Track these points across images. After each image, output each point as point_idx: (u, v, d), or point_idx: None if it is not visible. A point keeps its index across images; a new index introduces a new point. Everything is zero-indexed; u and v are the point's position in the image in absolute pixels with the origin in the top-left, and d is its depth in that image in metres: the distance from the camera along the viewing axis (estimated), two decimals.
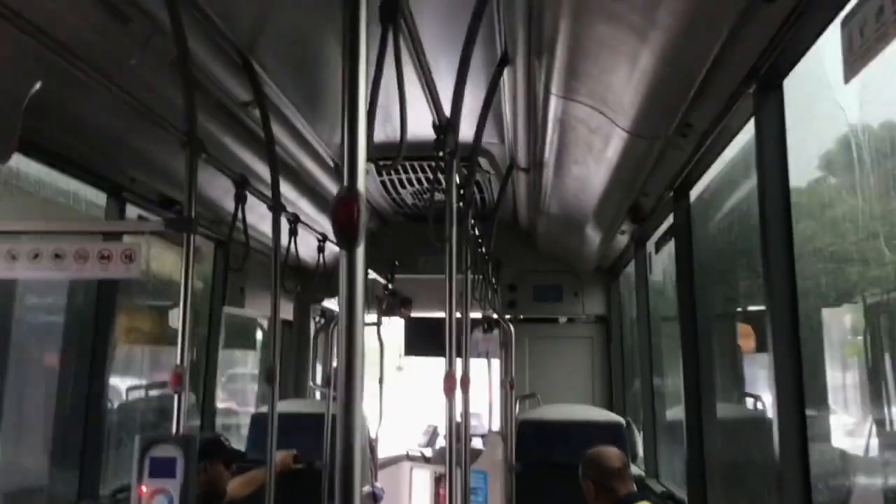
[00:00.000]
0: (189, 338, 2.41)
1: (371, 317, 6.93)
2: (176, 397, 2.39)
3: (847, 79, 1.89)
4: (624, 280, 6.57)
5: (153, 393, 4.85)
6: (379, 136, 3.20)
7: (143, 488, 2.23)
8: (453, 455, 2.63)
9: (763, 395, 3.20)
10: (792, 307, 2.41)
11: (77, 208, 3.82)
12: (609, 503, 3.25)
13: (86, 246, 2.54)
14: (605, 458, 3.35)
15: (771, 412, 2.47)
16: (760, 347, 3.17)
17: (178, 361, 2.40)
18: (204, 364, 5.06)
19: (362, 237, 1.13)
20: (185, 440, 2.30)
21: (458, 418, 3.06)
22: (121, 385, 4.56)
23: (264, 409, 3.52)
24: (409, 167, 5.03)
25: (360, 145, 1.17)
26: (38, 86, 2.61)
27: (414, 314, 7.90)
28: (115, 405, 4.43)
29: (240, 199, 3.47)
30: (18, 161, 3.25)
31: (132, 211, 4.03)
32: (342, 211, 1.10)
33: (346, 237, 1.11)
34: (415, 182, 5.36)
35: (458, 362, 2.84)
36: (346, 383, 1.11)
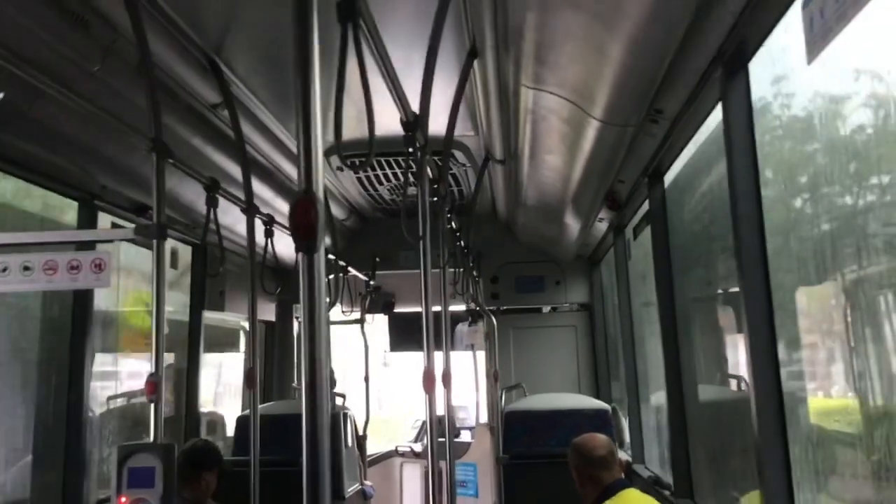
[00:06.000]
0: (163, 345, 2.38)
1: (354, 314, 6.92)
2: (152, 406, 2.36)
3: (809, 60, 1.89)
4: (605, 267, 6.58)
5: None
6: (354, 133, 3.20)
7: (123, 498, 2.22)
8: (435, 450, 2.62)
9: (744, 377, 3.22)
10: (765, 286, 2.42)
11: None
12: (595, 490, 3.24)
13: (54, 257, 2.51)
14: (591, 447, 3.34)
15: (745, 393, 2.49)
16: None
17: (153, 370, 2.38)
18: (185, 369, 5.02)
19: (321, 240, 1.10)
20: (163, 449, 2.28)
21: (442, 412, 3.07)
22: None
23: (248, 411, 3.49)
24: (383, 163, 5.01)
25: (314, 146, 1.14)
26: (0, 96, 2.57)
27: (398, 310, 7.89)
28: None
29: (211, 203, 3.43)
30: None
31: (106, 219, 3.98)
32: (299, 213, 1.07)
33: (303, 240, 1.08)
34: (391, 178, 5.35)
35: (440, 356, 2.84)
36: (310, 387, 1.09)
